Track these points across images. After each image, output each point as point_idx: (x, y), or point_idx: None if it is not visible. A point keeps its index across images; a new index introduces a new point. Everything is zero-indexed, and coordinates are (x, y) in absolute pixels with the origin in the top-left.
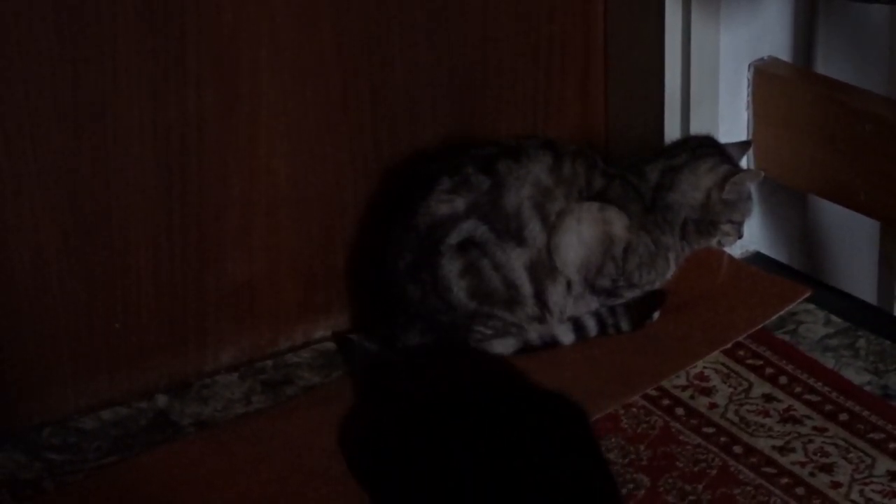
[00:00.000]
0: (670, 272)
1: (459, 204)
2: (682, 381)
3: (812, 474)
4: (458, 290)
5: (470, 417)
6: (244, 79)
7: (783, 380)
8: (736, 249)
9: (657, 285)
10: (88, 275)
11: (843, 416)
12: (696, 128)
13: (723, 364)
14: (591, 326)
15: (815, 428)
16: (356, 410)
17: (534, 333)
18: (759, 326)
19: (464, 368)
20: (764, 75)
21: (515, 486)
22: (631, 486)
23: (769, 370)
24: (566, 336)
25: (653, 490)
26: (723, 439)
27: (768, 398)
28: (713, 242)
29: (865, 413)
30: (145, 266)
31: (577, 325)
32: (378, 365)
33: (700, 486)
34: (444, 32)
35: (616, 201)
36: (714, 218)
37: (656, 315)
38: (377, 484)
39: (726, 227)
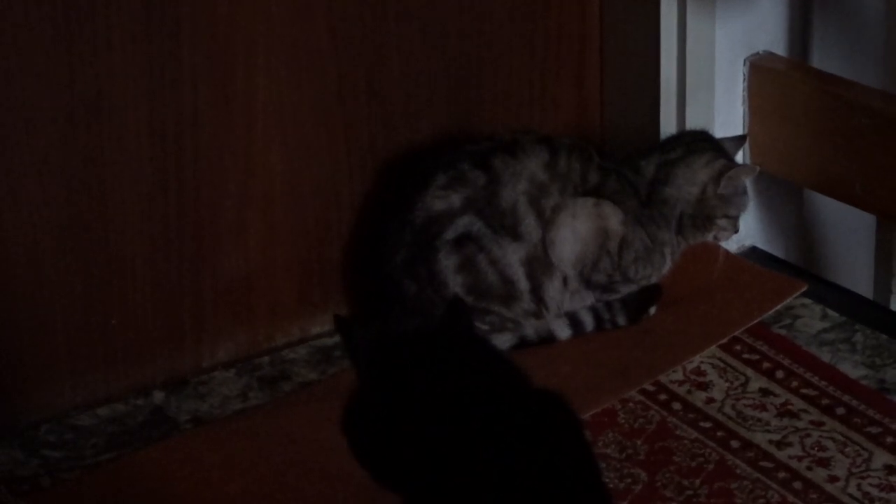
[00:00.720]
0: (666, 267)
1: (455, 199)
2: (678, 375)
3: (809, 468)
4: (455, 285)
5: (464, 415)
6: (240, 73)
7: (780, 374)
8: (732, 244)
9: (653, 280)
10: (84, 271)
11: (840, 411)
12: (692, 122)
13: (719, 359)
14: (588, 321)
15: (811, 422)
16: (357, 394)
17: (530, 329)
18: (756, 321)
19: (463, 360)
20: (759, 69)
21: (506, 489)
22: (628, 480)
23: (766, 364)
24: (562, 331)
25: (650, 485)
26: (720, 434)
27: (765, 392)
28: (709, 237)
29: (862, 407)
30: (141, 262)
31: (574, 320)
32: (379, 348)
33: (697, 481)
34: (439, 26)
35: (611, 196)
36: (710, 212)
37: (653, 310)
38: (377, 464)
39: (722, 222)
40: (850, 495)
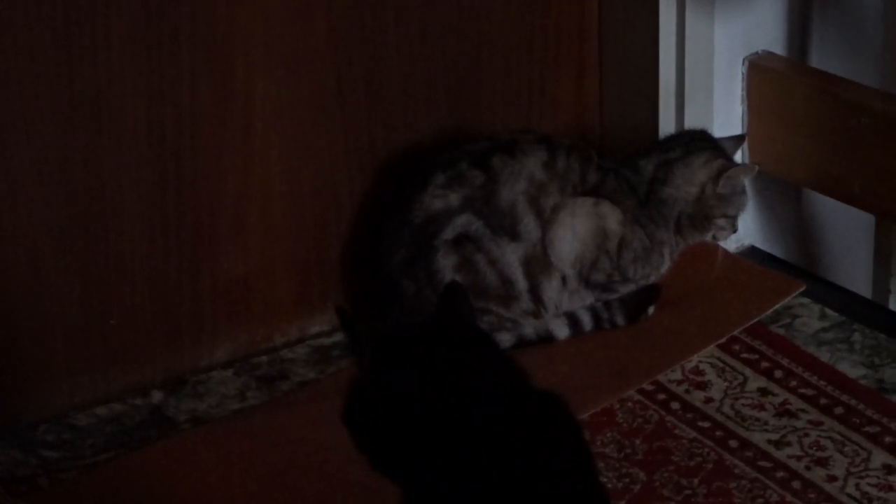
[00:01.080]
0: (665, 266)
1: (454, 199)
2: (677, 375)
3: (808, 468)
4: None
5: (463, 414)
6: (238, 73)
7: (778, 374)
8: (730, 243)
9: (652, 279)
10: (83, 271)
11: (839, 410)
12: (691, 122)
13: (718, 358)
14: (586, 321)
15: (810, 422)
16: (358, 384)
17: (529, 328)
18: (754, 320)
19: (463, 357)
20: (758, 69)
21: (502, 489)
22: (627, 480)
23: (764, 364)
24: (561, 331)
25: (648, 485)
26: (718, 433)
27: (763, 392)
28: (708, 236)
29: (861, 407)
30: (140, 262)
31: (572, 319)
32: (382, 340)
33: (696, 481)
34: (438, 25)
35: (610, 196)
36: (708, 212)
37: (651, 309)
38: (377, 455)
39: (721, 222)
40: (849, 495)
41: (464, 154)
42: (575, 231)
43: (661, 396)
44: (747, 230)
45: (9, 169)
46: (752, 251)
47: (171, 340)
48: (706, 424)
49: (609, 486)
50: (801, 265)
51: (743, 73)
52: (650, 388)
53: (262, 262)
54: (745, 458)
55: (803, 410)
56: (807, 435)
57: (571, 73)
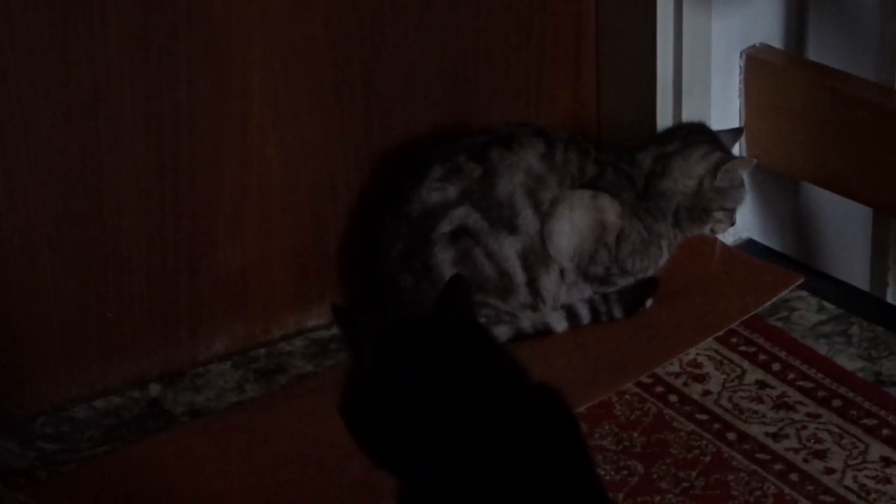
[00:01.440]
0: (663, 259)
1: (451, 192)
2: (675, 368)
3: (806, 460)
4: None
5: (462, 410)
6: (236, 69)
7: (776, 366)
8: (728, 237)
9: (650, 273)
10: (81, 265)
11: (837, 403)
12: (688, 115)
13: (716, 351)
14: (584, 314)
15: (808, 414)
16: (357, 378)
17: (527, 321)
18: (752, 313)
19: (462, 352)
20: (756, 62)
21: (500, 482)
22: (625, 472)
23: (762, 357)
24: (559, 324)
25: (646, 477)
26: (716, 426)
27: (761, 385)
28: (706, 230)
29: (858, 399)
30: (137, 256)
31: (570, 312)
32: (381, 334)
33: (694, 473)
34: (435, 21)
35: (608, 189)
36: (706, 205)
37: (649, 302)
38: (375, 448)
39: (718, 215)
40: (847, 487)
41: (462, 147)
42: (573, 224)
43: (659, 389)
44: (745, 223)
45: (7, 167)
46: (750, 244)
47: (169, 334)
48: (704, 417)
49: (607, 478)
50: (798, 258)
51: (740, 67)
52: (648, 380)
53: (260, 256)
54: (743, 450)
55: (801, 403)
56: (805, 427)
57: (569, 71)
